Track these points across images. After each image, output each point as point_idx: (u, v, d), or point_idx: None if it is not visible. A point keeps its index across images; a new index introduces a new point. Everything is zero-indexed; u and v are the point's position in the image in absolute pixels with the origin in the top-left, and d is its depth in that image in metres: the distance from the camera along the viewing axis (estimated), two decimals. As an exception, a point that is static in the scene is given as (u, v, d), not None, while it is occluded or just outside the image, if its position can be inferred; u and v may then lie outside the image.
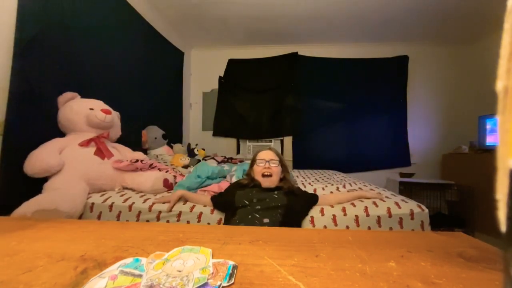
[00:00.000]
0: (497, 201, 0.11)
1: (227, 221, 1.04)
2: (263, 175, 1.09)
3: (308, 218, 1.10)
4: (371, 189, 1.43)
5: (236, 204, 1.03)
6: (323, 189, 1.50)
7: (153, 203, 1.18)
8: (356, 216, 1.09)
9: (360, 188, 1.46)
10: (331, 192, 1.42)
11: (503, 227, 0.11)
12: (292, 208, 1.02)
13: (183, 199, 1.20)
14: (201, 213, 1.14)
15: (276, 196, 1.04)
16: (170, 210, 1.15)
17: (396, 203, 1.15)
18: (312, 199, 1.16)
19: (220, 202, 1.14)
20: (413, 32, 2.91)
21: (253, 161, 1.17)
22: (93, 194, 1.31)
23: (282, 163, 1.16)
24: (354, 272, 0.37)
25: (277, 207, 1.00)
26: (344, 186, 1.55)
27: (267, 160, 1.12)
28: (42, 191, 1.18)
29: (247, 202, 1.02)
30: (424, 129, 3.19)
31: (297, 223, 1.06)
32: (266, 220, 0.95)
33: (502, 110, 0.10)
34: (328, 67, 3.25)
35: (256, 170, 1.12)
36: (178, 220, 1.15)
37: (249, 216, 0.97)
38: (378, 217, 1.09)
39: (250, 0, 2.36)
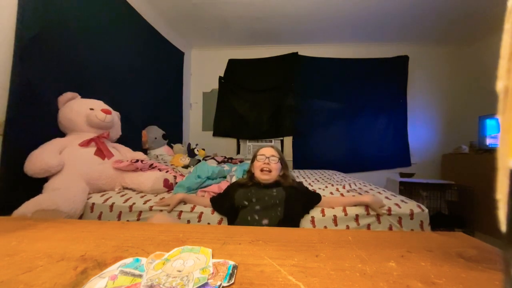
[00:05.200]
0: (498, 201, 0.11)
1: (231, 224, 1.04)
2: (262, 170, 1.10)
3: (308, 218, 1.09)
4: (379, 192, 1.38)
5: (236, 205, 1.03)
6: (323, 189, 1.49)
7: (152, 206, 1.18)
8: (357, 215, 1.09)
9: (366, 192, 1.38)
10: (331, 193, 1.41)
11: (503, 227, 0.11)
12: (292, 201, 1.02)
13: (183, 202, 1.20)
14: (201, 213, 1.14)
15: (275, 193, 1.04)
16: (170, 211, 1.15)
17: (396, 204, 1.15)
18: (313, 196, 1.16)
19: (220, 205, 1.13)
20: (413, 32, 2.90)
21: (254, 157, 1.18)
22: (93, 194, 1.31)
23: (282, 160, 1.16)
24: (354, 272, 0.37)
25: (276, 204, 1.00)
26: (344, 187, 1.55)
27: (268, 156, 1.13)
28: (42, 191, 1.18)
29: (246, 203, 1.02)
30: (424, 129, 3.18)
31: (297, 218, 1.06)
32: (265, 222, 0.95)
33: (502, 110, 0.10)
34: (328, 67, 3.25)
35: (256, 165, 1.13)
36: (179, 219, 1.15)
37: (248, 218, 0.97)
38: (378, 215, 1.10)
39: (250, 0, 2.37)
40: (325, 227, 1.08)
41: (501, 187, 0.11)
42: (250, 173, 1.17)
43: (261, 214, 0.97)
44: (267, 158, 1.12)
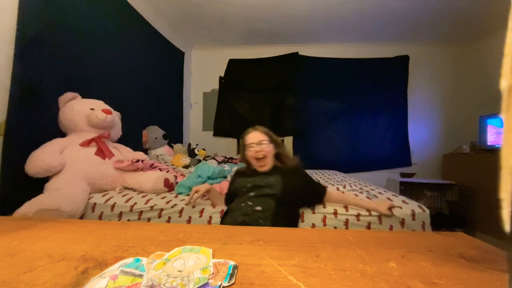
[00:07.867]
0: (501, 200, 0.11)
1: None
2: (258, 159, 1.08)
3: (309, 211, 1.09)
4: (388, 198, 1.31)
5: (236, 192, 1.06)
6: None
7: (157, 207, 1.18)
8: (358, 213, 1.09)
9: (374, 195, 1.33)
10: (338, 188, 1.40)
11: (507, 227, 0.11)
12: (289, 190, 0.99)
13: (209, 194, 1.17)
14: (203, 209, 1.15)
15: (273, 180, 1.02)
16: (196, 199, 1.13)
17: (397, 205, 1.14)
18: (315, 188, 1.12)
19: (228, 198, 1.14)
20: (413, 32, 2.90)
21: (244, 146, 1.16)
22: (95, 194, 1.31)
23: (273, 141, 1.14)
24: (354, 272, 0.37)
25: (271, 195, 0.96)
26: (344, 187, 1.55)
27: (257, 143, 1.09)
28: (43, 191, 1.18)
29: (244, 189, 1.03)
30: (425, 129, 3.18)
31: (294, 208, 1.03)
32: (258, 208, 0.92)
33: (506, 109, 0.10)
34: (328, 67, 3.25)
35: (249, 155, 1.11)
36: (180, 217, 1.15)
37: (242, 204, 0.96)
38: (379, 216, 1.09)
39: (250, 0, 2.36)
40: (325, 216, 1.07)
41: (505, 186, 0.10)
42: (245, 161, 1.17)
43: (255, 200, 0.95)
44: (257, 145, 1.09)
